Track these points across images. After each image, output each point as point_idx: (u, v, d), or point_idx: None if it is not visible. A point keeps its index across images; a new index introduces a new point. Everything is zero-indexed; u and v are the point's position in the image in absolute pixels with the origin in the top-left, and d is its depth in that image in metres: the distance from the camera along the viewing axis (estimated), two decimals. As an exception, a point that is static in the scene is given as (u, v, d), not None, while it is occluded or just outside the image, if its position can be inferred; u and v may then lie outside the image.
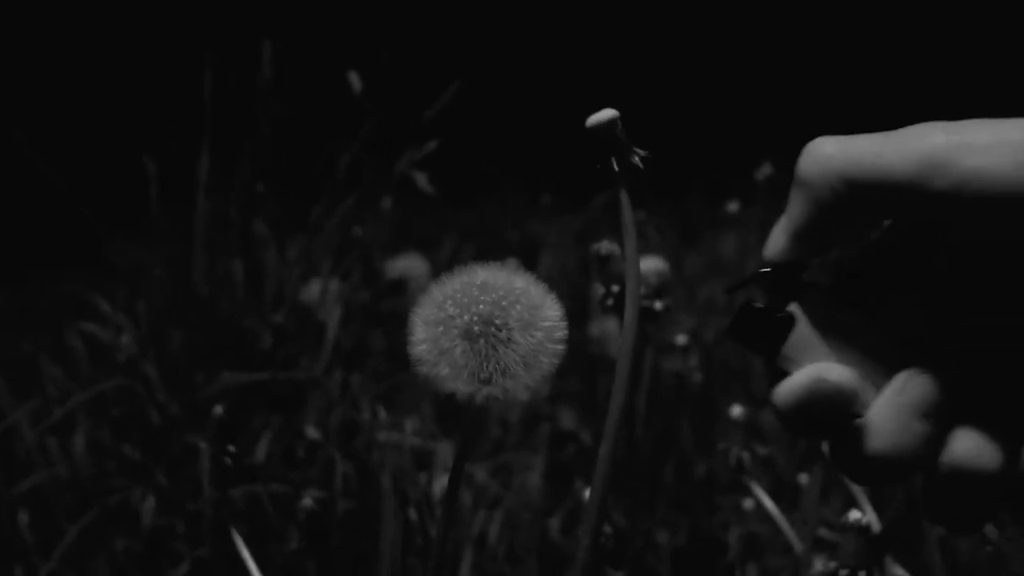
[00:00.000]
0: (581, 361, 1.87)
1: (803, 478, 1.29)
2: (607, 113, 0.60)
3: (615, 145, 0.60)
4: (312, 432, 1.42)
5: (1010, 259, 0.46)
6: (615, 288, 1.00)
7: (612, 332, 1.80)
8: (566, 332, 0.58)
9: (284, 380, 1.56)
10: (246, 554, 0.93)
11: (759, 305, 0.51)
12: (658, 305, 1.02)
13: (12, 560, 1.32)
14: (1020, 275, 0.46)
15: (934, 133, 0.45)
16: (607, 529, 1.03)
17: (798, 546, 1.10)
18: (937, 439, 0.47)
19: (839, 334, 0.50)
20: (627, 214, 0.61)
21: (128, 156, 1.75)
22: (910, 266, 0.49)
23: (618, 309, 0.98)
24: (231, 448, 0.97)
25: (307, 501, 1.08)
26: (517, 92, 3.71)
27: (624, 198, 0.60)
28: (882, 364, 0.49)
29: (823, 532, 1.16)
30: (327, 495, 1.23)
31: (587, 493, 0.62)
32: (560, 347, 0.58)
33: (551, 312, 0.58)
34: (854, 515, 0.78)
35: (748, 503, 1.37)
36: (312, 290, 1.80)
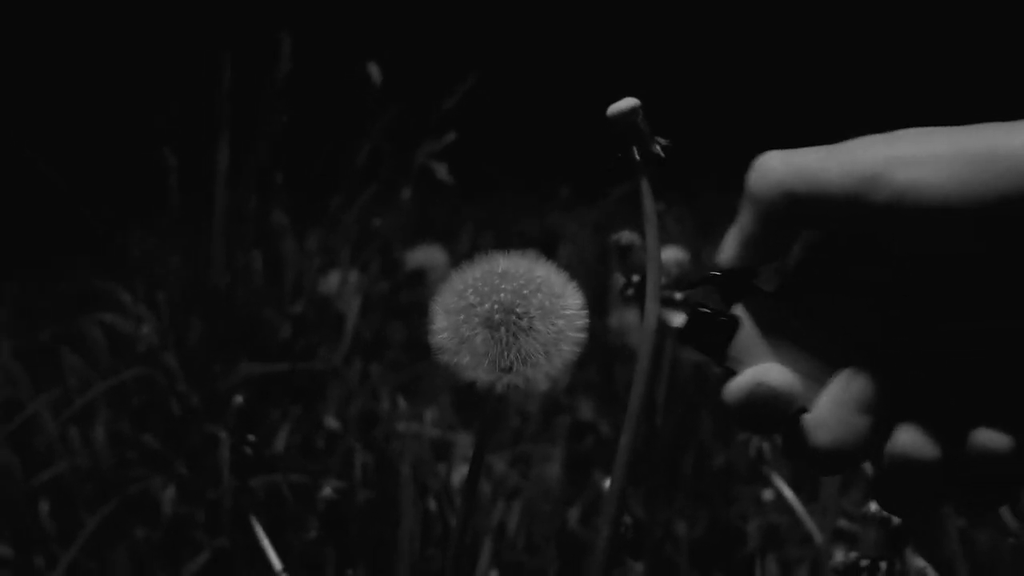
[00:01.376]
0: (600, 352, 1.86)
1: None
2: (628, 102, 0.60)
3: (636, 134, 0.60)
4: (331, 422, 1.43)
5: (962, 267, 0.46)
6: (635, 278, 0.99)
7: (631, 323, 1.80)
8: (587, 320, 0.58)
9: (303, 370, 1.56)
10: (266, 543, 0.94)
11: (706, 309, 0.52)
12: (678, 295, 1.02)
13: (33, 549, 1.33)
14: (972, 282, 0.47)
15: (871, 147, 0.46)
16: (626, 519, 1.03)
17: (818, 537, 1.10)
18: (880, 432, 0.48)
19: (784, 335, 0.51)
20: (648, 204, 0.60)
21: (143, 148, 1.75)
22: (863, 272, 0.50)
23: (638, 299, 0.98)
24: (251, 437, 0.97)
25: (327, 491, 1.08)
26: (534, 83, 3.71)
27: (645, 188, 0.60)
28: (827, 362, 0.50)
29: (843, 523, 1.15)
30: (346, 485, 1.23)
31: (607, 483, 0.62)
32: (581, 335, 0.58)
33: (572, 300, 0.59)
34: (874, 506, 0.78)
35: (767, 494, 1.36)
36: (331, 281, 1.80)
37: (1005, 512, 1.14)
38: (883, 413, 0.48)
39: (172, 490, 1.34)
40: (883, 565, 0.77)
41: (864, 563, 0.77)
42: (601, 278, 2.05)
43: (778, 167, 0.48)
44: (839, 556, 0.81)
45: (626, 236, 1.01)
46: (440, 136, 1.86)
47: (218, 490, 1.29)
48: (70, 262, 2.52)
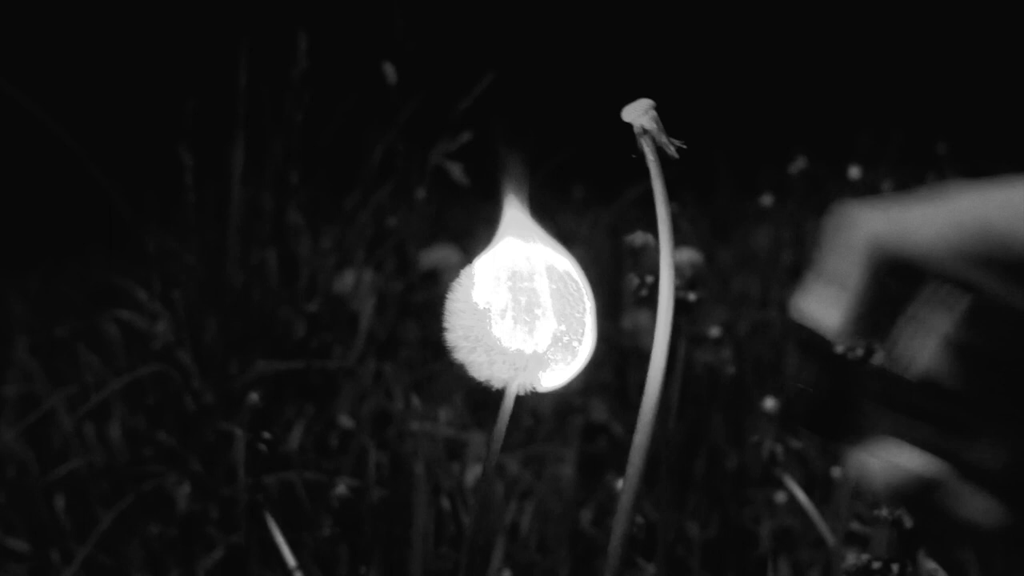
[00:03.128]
0: (613, 354, 1.86)
1: (836, 471, 1.29)
2: (643, 103, 0.61)
3: (650, 135, 0.60)
4: (345, 421, 1.43)
5: None
6: (649, 279, 0.99)
7: (644, 325, 1.80)
8: (596, 319, 0.59)
9: (318, 369, 1.57)
10: (280, 539, 0.94)
11: (816, 390, 0.50)
12: (692, 296, 1.02)
13: (49, 544, 1.34)
14: None
15: (973, 199, 0.44)
16: (639, 520, 1.03)
17: (830, 539, 1.10)
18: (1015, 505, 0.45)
19: (896, 406, 0.48)
20: (662, 204, 0.61)
21: (162, 146, 1.76)
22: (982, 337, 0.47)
23: (652, 300, 0.98)
24: (266, 435, 0.98)
25: (340, 488, 1.09)
26: (549, 84, 3.71)
27: (659, 189, 0.61)
28: (947, 430, 0.47)
29: (856, 526, 1.15)
30: (360, 483, 1.24)
31: (620, 484, 0.62)
32: (592, 334, 0.59)
33: (584, 301, 0.59)
34: (887, 508, 0.78)
35: (780, 496, 1.36)
36: (346, 280, 1.80)
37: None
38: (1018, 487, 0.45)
39: (187, 487, 1.34)
40: (895, 567, 0.77)
41: (876, 565, 0.77)
42: (614, 280, 2.05)
43: (876, 223, 0.47)
44: (851, 558, 0.80)
45: (639, 237, 1.01)
46: (455, 136, 1.86)
47: (232, 486, 1.30)
48: (87, 259, 2.53)
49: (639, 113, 0.60)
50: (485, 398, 1.65)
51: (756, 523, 1.41)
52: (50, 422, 1.51)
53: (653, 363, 0.59)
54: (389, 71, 1.85)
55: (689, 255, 1.08)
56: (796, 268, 2.16)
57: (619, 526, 0.61)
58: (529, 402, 1.68)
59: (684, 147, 0.61)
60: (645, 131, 0.60)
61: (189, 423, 1.48)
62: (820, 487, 1.33)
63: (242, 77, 1.76)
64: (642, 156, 0.60)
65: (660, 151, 0.60)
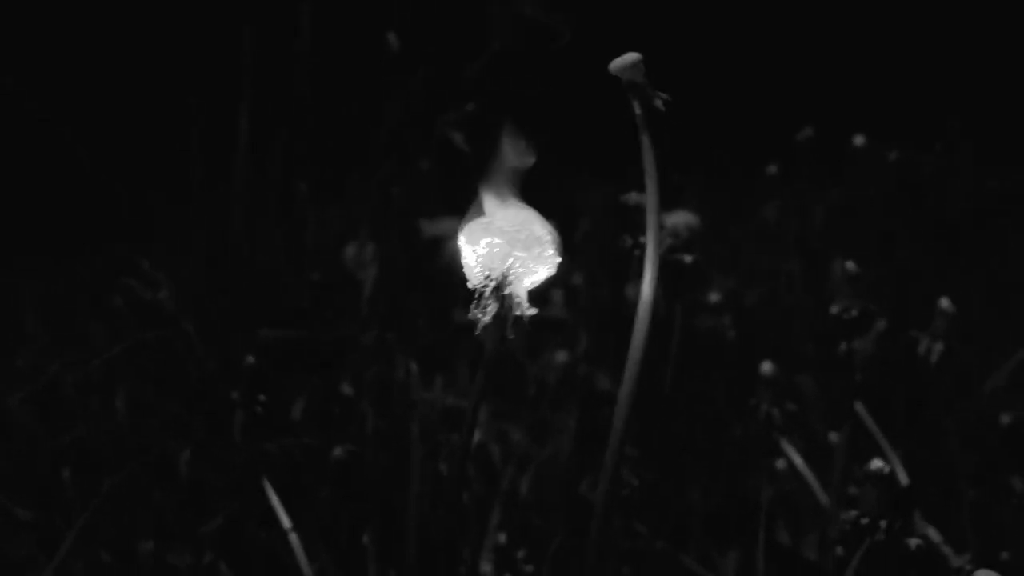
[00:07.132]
0: (617, 324, 1.86)
1: (833, 436, 1.29)
2: (630, 57, 0.61)
3: (638, 89, 0.60)
4: (347, 388, 1.43)
5: None
6: (643, 238, 1.00)
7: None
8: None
9: (321, 338, 1.57)
10: (275, 500, 0.95)
11: None
12: (688, 259, 1.02)
13: (55, 511, 1.35)
14: None
15: None
16: (634, 482, 1.04)
17: (825, 501, 1.10)
18: None
19: None
20: (649, 157, 0.61)
21: (167, 118, 1.76)
22: None
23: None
24: (261, 397, 0.99)
25: (338, 451, 1.09)
26: (556, 55, 3.70)
27: (646, 142, 0.61)
28: None
29: (853, 489, 1.16)
30: (359, 448, 1.24)
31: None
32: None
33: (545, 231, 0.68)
34: (876, 464, 0.78)
35: (780, 463, 1.36)
36: (350, 250, 1.81)
37: (1017, 481, 1.14)
38: None
39: (188, 454, 1.35)
40: (883, 524, 0.77)
41: (865, 521, 0.77)
42: (619, 252, 2.05)
43: None
44: (843, 516, 0.81)
45: (634, 197, 1.01)
46: (460, 106, 1.85)
47: (233, 452, 1.30)
48: (95, 232, 2.53)
49: (626, 67, 0.61)
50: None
51: (757, 490, 1.41)
52: (58, 394, 1.52)
53: (640, 312, 0.60)
54: (393, 41, 1.84)
55: (685, 218, 1.07)
56: (802, 238, 2.16)
57: (605, 478, 0.62)
58: (532, 371, 1.68)
59: (670, 100, 0.61)
60: (632, 85, 0.60)
61: (192, 390, 1.48)
62: (819, 452, 1.33)
63: (247, 47, 1.76)
64: (630, 109, 0.61)
65: (648, 105, 0.61)
